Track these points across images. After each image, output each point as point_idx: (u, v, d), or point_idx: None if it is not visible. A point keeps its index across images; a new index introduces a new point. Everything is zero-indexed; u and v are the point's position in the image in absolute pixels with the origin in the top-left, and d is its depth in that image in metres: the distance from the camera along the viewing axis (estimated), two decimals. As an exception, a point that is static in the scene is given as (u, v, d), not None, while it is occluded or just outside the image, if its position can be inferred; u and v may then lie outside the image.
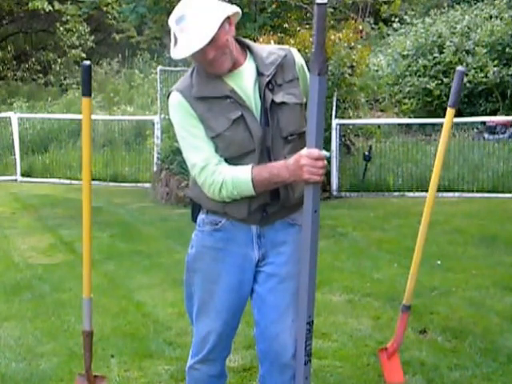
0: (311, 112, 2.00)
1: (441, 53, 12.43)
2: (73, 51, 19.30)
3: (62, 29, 19.19)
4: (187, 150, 2.26)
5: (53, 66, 19.97)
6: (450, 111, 2.76)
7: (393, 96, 12.67)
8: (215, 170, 2.19)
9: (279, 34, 9.28)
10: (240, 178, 2.16)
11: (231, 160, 2.21)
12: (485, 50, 11.91)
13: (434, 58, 12.51)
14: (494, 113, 11.79)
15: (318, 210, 2.08)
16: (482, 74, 11.74)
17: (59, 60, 20.02)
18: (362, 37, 10.45)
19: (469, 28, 12.95)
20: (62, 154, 11.38)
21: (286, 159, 2.14)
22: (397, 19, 15.13)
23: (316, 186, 2.06)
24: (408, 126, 11.08)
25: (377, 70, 12.97)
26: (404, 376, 3.09)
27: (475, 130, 10.28)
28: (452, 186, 8.49)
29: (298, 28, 9.92)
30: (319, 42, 1.94)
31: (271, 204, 2.26)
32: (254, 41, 2.46)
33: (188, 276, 2.42)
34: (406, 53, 13.32)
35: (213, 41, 2.09)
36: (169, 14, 2.27)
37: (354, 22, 10.61)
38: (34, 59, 20.40)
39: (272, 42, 8.39)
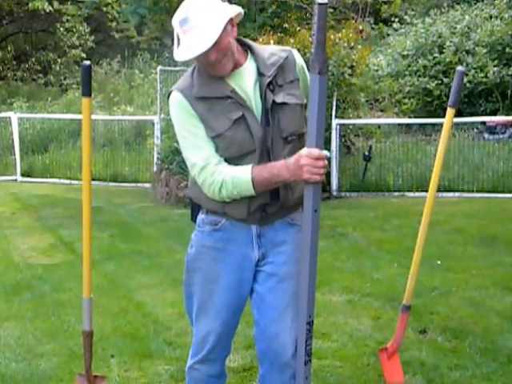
0: (311, 111, 2.00)
1: (441, 53, 12.43)
2: (73, 51, 19.31)
3: (62, 29, 19.20)
4: (187, 150, 2.26)
5: (53, 66, 19.98)
6: (450, 111, 2.76)
7: (393, 96, 12.67)
8: (215, 169, 2.19)
9: (279, 34, 9.28)
10: (240, 177, 2.16)
11: (231, 160, 2.21)
12: (485, 50, 11.91)
13: (434, 57, 12.51)
14: (494, 113, 11.79)
15: (319, 209, 2.08)
16: (482, 74, 11.73)
17: (59, 60, 20.03)
18: (362, 37, 10.44)
19: (469, 28, 12.95)
20: (62, 153, 11.38)
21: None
22: (397, 19, 15.12)
23: (316, 185, 2.06)
24: (408, 126, 11.08)
25: (377, 70, 12.97)
26: (404, 376, 3.09)
27: (475, 130, 10.27)
28: (452, 186, 8.49)
29: (298, 28, 9.92)
30: (319, 41, 1.93)
31: (271, 204, 2.26)
32: (254, 41, 2.46)
33: (188, 276, 2.42)
34: (405, 53, 13.32)
35: (216, 44, 2.09)
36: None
37: (353, 22, 10.61)
38: (33, 59, 20.41)
39: (272, 41, 8.39)
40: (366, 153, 8.87)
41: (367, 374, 3.35)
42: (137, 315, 4.37)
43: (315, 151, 2.02)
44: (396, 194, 8.69)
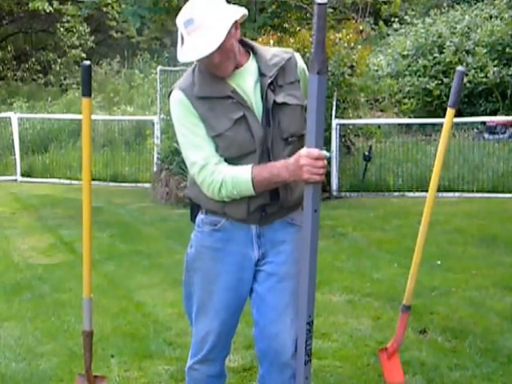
0: (311, 111, 1.99)
1: (441, 53, 12.43)
2: (73, 51, 19.31)
3: (62, 29, 19.20)
4: (187, 148, 2.25)
5: (53, 66, 19.98)
6: (450, 111, 2.76)
7: (393, 96, 12.67)
8: (215, 169, 2.18)
9: (279, 34, 9.28)
10: (240, 177, 2.16)
11: (231, 160, 2.20)
12: (485, 50, 11.90)
13: (434, 58, 12.50)
14: (494, 113, 11.79)
15: (318, 209, 2.07)
16: (482, 74, 11.73)
17: (59, 60, 20.03)
18: (362, 37, 10.43)
19: (469, 28, 12.95)
20: (62, 154, 11.38)
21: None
22: (397, 19, 15.12)
23: (316, 185, 2.06)
24: (408, 126, 11.07)
25: (377, 70, 12.97)
26: (404, 376, 3.09)
27: (475, 130, 10.27)
28: (452, 186, 8.49)
29: (298, 28, 9.92)
30: (319, 41, 1.93)
31: (270, 204, 2.26)
32: (254, 41, 2.46)
33: (187, 276, 2.42)
34: (405, 53, 13.32)
35: (220, 47, 2.08)
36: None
37: (354, 22, 10.61)
38: (33, 59, 20.40)
39: (272, 41, 8.39)
40: (366, 153, 8.87)
41: (367, 374, 3.35)
42: (137, 315, 4.37)
43: (315, 151, 2.01)
44: (396, 194, 8.69)
